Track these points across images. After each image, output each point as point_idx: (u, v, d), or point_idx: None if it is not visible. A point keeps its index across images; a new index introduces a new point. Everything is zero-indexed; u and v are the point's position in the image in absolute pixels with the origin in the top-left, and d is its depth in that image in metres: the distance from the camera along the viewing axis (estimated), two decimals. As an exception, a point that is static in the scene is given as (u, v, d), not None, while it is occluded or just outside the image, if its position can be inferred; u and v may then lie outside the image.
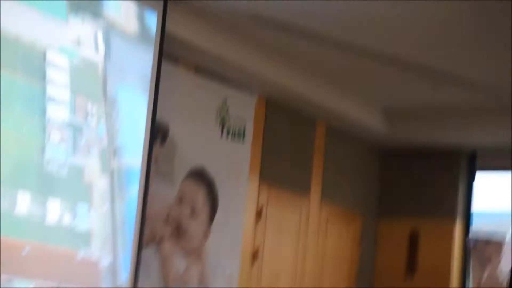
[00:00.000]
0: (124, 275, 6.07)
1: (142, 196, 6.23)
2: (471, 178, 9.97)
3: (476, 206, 9.90)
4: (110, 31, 5.98)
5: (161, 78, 6.41)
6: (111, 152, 5.96)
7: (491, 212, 9.93)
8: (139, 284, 6.32)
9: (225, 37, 7.15)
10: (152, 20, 6.32)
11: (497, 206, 9.80)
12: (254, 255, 8.07)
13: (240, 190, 7.82)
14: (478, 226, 9.79)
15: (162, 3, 6.35)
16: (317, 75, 8.17)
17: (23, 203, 5.32)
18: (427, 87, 8.06)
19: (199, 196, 7.36)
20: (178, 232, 7.14)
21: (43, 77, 5.46)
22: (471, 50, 7.09)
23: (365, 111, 9.07)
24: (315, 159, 8.93)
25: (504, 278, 8.89)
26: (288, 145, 8.54)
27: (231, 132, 7.67)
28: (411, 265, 9.60)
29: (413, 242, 9.64)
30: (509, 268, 8.38)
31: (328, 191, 9.08)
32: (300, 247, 8.71)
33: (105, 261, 5.90)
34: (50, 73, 5.51)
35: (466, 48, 7.04)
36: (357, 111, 8.94)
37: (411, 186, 9.68)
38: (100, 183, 5.87)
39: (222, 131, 7.58)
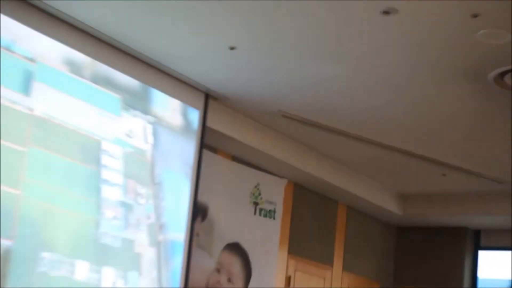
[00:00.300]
0: (170, 335, 6.07)
1: (185, 265, 6.23)
2: (476, 253, 9.94)
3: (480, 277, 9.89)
4: (157, 124, 6.07)
5: (201, 165, 6.50)
6: (158, 227, 6.00)
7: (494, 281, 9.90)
8: None
9: (258, 130, 7.21)
10: (194, 115, 6.41)
11: (499, 277, 9.78)
12: (285, 317, 8.04)
13: (271, 262, 7.79)
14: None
15: (203, 102, 6.47)
16: (338, 163, 8.21)
17: (81, 270, 5.37)
18: (437, 174, 8.09)
19: (235, 266, 7.36)
20: (217, 297, 7.16)
21: (98, 162, 5.56)
22: (477, 147, 7.11)
23: (381, 195, 9.07)
24: (337, 235, 8.91)
25: None
26: (313, 223, 8.54)
27: (263, 211, 7.68)
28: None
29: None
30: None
31: (348, 263, 9.04)
32: (326, 310, 8.67)
33: (153, 321, 5.91)
34: (105, 160, 5.61)
35: (473, 144, 7.06)
36: (374, 195, 8.94)
37: (422, 259, 9.61)
38: (148, 254, 5.89)
39: (255, 210, 7.60)
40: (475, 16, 4.47)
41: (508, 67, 5.28)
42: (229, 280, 7.27)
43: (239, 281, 7.38)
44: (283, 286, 8.03)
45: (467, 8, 4.40)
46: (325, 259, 8.72)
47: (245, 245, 7.46)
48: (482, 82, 5.56)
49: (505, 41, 4.79)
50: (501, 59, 5.12)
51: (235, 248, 7.36)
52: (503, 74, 5.41)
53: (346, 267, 8.99)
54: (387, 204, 9.13)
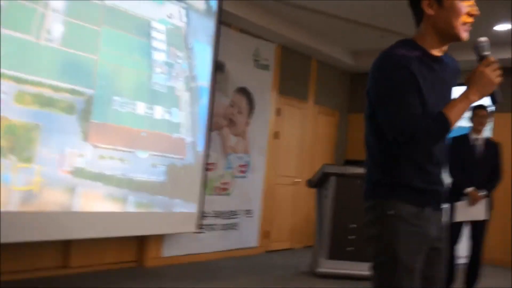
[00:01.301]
0: (200, 147, 6.17)
1: (210, 102, 6.28)
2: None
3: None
4: (188, 9, 5.95)
5: (219, 36, 6.41)
6: (191, 78, 6.01)
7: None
8: (209, 152, 6.48)
9: (257, 11, 7.09)
10: (214, 1, 6.28)
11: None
12: (275, 135, 8.13)
13: (267, 99, 7.85)
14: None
15: (219, -9, 6.32)
16: (311, 31, 8.09)
17: (140, 107, 5.44)
18: (377, 36, 7.97)
19: (243, 102, 7.42)
20: (231, 122, 7.23)
21: (149, 36, 5.50)
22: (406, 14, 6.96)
23: (340, 51, 8.99)
24: (310, 80, 8.89)
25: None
26: (294, 73, 8.51)
27: (261, 65, 7.66)
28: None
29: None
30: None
31: (318, 99, 9.08)
32: (302, 131, 8.76)
33: (188, 139, 6.00)
34: (154, 34, 5.55)
35: (402, 13, 6.92)
36: (336, 52, 8.86)
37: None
38: (184, 96, 5.94)
39: (256, 65, 7.58)
40: None
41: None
42: (239, 112, 7.36)
43: (245, 112, 7.47)
44: (274, 114, 8.10)
45: None
46: (302, 97, 8.75)
47: (250, 88, 7.51)
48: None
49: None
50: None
51: (243, 91, 7.40)
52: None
53: (316, 102, 9.03)
54: (344, 57, 9.07)
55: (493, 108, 8.00)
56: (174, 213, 5.91)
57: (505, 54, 7.75)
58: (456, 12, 2.15)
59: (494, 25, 7.10)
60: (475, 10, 2.17)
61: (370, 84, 2.22)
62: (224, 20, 6.66)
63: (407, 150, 2.12)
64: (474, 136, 5.46)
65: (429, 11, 2.20)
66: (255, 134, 7.61)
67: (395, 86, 2.10)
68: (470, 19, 2.17)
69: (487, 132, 6.77)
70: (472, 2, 2.18)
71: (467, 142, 5.46)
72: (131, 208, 5.40)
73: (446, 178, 2.34)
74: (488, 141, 5.54)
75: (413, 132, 2.04)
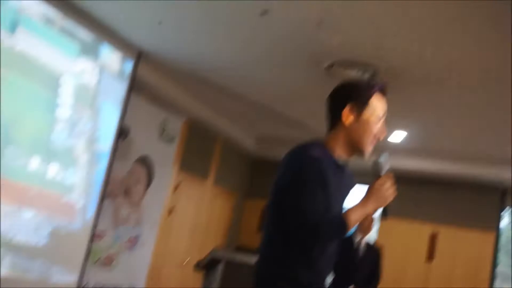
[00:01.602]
0: (90, 214, 5.87)
1: (108, 168, 6.06)
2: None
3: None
4: (102, 68, 5.78)
5: (129, 101, 6.25)
6: (92, 140, 5.78)
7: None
8: (99, 220, 6.15)
9: (171, 83, 7.01)
10: (128, 66, 6.13)
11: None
12: (170, 211, 7.90)
13: (167, 172, 7.65)
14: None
15: (135, 57, 6.17)
16: (218, 112, 8.06)
17: (34, 163, 5.12)
18: (281, 126, 8.07)
19: (142, 173, 7.19)
20: (126, 192, 6.97)
21: (56, 90, 5.27)
22: (307, 113, 7.07)
23: (245, 136, 9.05)
24: (213, 160, 8.81)
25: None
26: (198, 150, 8.41)
27: (166, 138, 7.51)
28: (261, 227, 9.58)
29: (263, 214, 9.59)
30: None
31: (218, 179, 8.96)
32: (198, 210, 8.57)
33: (79, 204, 5.70)
34: (62, 88, 5.33)
35: (304, 111, 7.03)
36: (240, 135, 8.91)
37: (266, 182, 9.60)
38: (83, 158, 5.67)
39: (161, 136, 7.42)
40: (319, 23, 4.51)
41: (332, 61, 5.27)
42: (137, 182, 7.13)
43: (143, 183, 7.24)
44: (172, 189, 7.90)
45: (315, 17, 4.45)
46: (203, 175, 8.61)
47: (151, 159, 7.30)
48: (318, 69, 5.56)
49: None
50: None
51: (144, 161, 7.19)
52: (331, 65, 5.38)
53: (216, 182, 8.92)
54: (247, 142, 9.14)
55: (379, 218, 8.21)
56: (51, 282, 5.48)
57: (399, 164, 8.03)
58: (369, 131, 2.29)
59: (388, 137, 7.44)
60: (383, 136, 2.33)
61: (280, 174, 2.27)
62: (135, 87, 6.50)
63: (303, 244, 2.17)
64: (357, 239, 5.67)
65: (347, 121, 2.30)
66: (149, 207, 7.35)
67: (305, 180, 2.17)
68: (375, 142, 2.32)
69: (372, 235, 7.17)
70: (384, 127, 2.33)
71: (350, 243, 5.66)
72: (4, 270, 4.95)
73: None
74: (370, 245, 5.80)
75: (315, 226, 2.09)
